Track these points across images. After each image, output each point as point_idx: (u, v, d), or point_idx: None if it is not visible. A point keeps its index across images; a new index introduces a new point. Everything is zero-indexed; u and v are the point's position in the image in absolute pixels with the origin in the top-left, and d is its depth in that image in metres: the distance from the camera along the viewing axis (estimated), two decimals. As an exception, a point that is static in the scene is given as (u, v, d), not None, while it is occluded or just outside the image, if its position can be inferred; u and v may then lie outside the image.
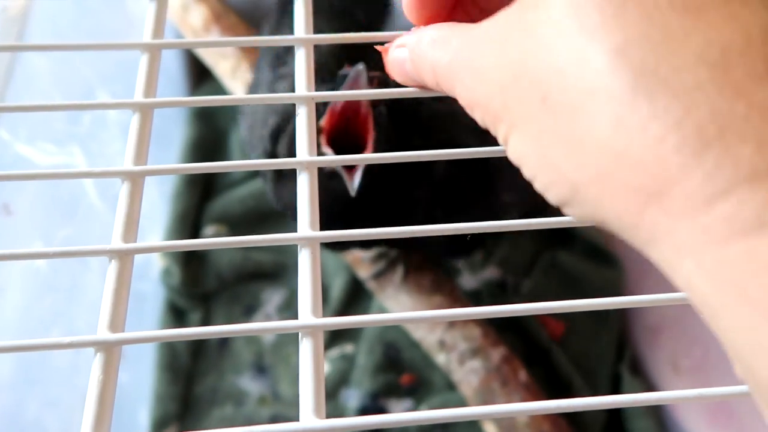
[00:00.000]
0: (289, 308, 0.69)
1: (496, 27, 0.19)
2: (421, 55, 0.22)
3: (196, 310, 0.68)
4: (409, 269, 0.60)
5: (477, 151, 0.24)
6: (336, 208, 0.42)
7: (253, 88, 0.55)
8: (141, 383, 0.64)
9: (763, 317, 0.13)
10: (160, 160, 0.70)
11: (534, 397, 0.57)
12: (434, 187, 0.46)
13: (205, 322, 0.68)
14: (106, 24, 0.67)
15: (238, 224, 0.72)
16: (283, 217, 0.73)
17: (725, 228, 0.14)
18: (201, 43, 0.31)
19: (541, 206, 0.47)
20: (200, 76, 0.79)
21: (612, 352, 0.65)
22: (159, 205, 0.72)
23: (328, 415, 0.18)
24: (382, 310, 0.62)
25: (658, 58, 0.15)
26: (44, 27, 0.56)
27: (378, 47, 0.25)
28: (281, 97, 0.27)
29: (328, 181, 0.40)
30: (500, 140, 0.19)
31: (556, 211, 0.19)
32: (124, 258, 0.21)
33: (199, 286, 0.69)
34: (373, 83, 0.36)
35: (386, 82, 0.37)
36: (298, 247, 0.22)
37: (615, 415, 0.62)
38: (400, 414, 0.19)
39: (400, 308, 0.60)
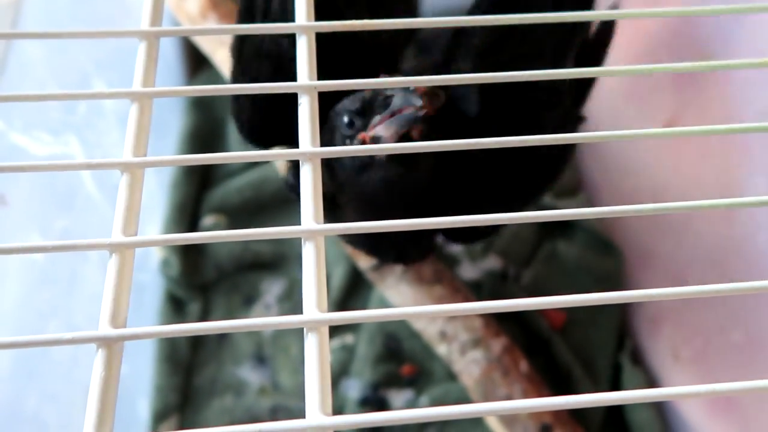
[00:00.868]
0: (289, 298, 0.69)
1: None
2: None
3: (195, 301, 0.68)
4: (409, 259, 0.59)
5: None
6: (405, 199, 0.40)
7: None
8: (141, 374, 0.63)
9: None
10: (157, 149, 0.69)
11: (535, 387, 0.57)
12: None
13: (205, 313, 0.67)
14: (101, 11, 0.66)
15: (237, 214, 0.72)
16: (282, 206, 0.72)
17: None
18: (200, 31, 0.31)
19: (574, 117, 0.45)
20: (197, 63, 0.78)
21: (613, 341, 0.65)
22: (157, 194, 0.71)
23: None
24: (383, 300, 0.62)
25: None
26: (38, 14, 0.55)
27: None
28: (283, 86, 0.26)
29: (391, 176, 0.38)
30: None
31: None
32: (124, 251, 0.21)
33: (198, 277, 0.69)
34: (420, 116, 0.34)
35: (436, 94, 0.35)
36: (302, 240, 0.21)
37: (616, 404, 0.62)
38: (404, 411, 0.19)
39: (401, 298, 0.60)
